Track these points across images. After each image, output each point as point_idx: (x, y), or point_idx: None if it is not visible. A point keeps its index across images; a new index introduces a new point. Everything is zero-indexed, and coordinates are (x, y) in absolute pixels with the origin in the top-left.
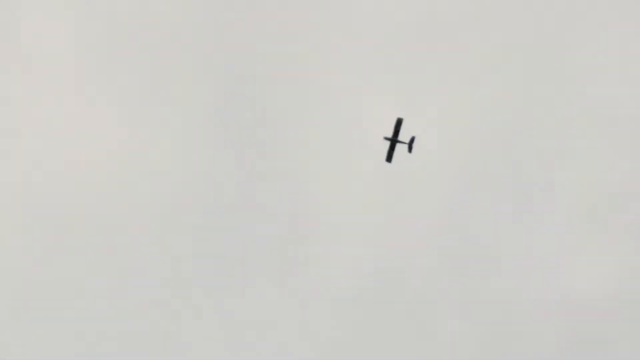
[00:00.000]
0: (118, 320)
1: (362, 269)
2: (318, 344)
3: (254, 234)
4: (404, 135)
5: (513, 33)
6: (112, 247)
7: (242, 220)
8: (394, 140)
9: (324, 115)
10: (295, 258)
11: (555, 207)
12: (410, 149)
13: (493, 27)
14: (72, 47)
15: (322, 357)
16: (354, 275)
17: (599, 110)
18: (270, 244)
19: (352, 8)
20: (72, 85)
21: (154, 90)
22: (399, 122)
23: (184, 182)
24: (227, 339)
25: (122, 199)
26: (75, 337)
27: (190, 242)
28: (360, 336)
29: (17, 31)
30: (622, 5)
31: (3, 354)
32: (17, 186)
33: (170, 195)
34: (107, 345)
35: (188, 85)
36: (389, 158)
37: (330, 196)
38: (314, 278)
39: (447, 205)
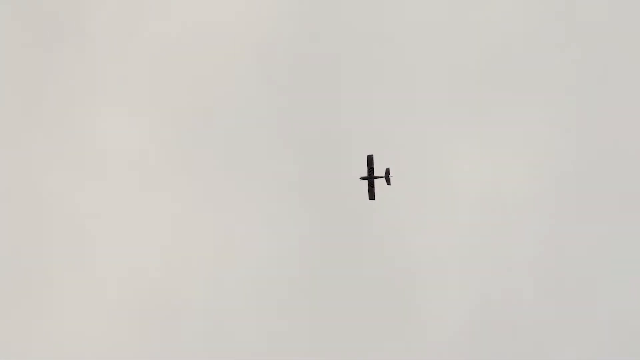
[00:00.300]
0: None
1: (468, 309)
2: None
3: (357, 292)
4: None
5: (605, 55)
6: (214, 334)
7: (343, 286)
8: (370, 178)
9: (408, 166)
10: (403, 310)
11: None
12: (388, 181)
13: (583, 52)
14: (146, 142)
15: None
16: (460, 316)
17: None
18: (376, 297)
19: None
20: (152, 178)
21: (232, 171)
22: (370, 159)
23: (278, 256)
24: None
25: (215, 283)
26: None
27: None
28: None
29: (92, 135)
30: None
31: None
32: (113, 287)
33: (267, 270)
34: None
35: (266, 161)
36: (371, 196)
37: (426, 243)
38: (424, 326)
39: (546, 237)
